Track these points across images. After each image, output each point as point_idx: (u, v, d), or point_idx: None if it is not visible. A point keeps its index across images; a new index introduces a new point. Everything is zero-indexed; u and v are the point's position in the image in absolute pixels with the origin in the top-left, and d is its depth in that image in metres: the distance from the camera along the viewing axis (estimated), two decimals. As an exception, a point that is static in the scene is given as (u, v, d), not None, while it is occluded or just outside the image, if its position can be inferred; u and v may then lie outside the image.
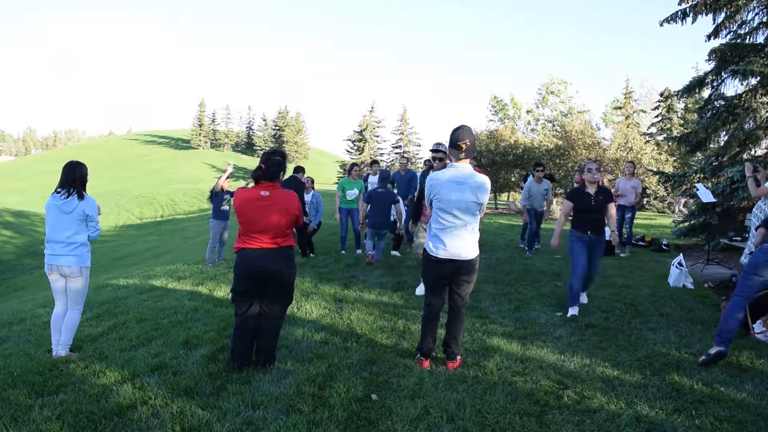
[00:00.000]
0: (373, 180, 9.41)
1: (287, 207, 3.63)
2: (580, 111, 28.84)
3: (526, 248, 9.39)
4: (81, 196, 4.13)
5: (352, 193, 8.93)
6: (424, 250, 3.76)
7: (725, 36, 9.49)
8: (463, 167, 3.59)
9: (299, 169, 9.15)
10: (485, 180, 3.62)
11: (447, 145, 3.71)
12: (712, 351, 3.77)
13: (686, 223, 10.43)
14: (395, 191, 9.30)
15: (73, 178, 4.12)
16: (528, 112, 30.32)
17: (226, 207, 8.59)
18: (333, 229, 11.46)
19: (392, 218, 8.52)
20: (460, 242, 3.60)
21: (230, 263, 8.03)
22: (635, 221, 9.91)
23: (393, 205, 8.13)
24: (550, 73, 44.24)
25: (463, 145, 3.53)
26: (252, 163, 66.45)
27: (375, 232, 7.96)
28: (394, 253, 8.83)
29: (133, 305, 5.99)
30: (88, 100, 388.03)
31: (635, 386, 3.41)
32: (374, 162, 10.42)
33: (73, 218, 4.10)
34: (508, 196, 32.53)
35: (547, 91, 29.60)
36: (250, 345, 3.68)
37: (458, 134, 3.55)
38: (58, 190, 4.12)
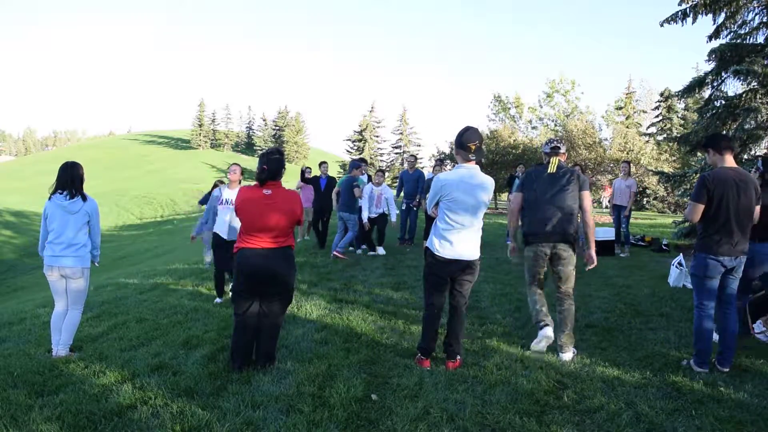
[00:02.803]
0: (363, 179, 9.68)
1: (289, 206, 3.63)
2: (582, 112, 28.88)
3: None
4: (84, 198, 4.17)
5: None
6: (428, 249, 3.75)
7: (726, 36, 9.49)
8: (472, 168, 3.62)
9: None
10: (490, 181, 3.67)
11: (454, 146, 3.73)
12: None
13: (686, 224, 10.41)
14: (393, 190, 9.48)
15: (72, 179, 4.14)
16: (531, 110, 30.36)
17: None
18: (332, 229, 11.44)
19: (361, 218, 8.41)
20: (466, 243, 3.63)
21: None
22: (631, 221, 9.96)
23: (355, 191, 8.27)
24: (560, 72, 44.21)
25: (472, 147, 3.56)
26: (252, 163, 66.42)
27: (341, 218, 8.30)
28: (370, 252, 8.69)
29: (133, 305, 6.00)
30: (88, 100, 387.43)
31: (635, 386, 3.41)
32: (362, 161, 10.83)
33: (78, 218, 4.14)
34: (508, 196, 32.53)
35: (553, 88, 29.61)
36: (250, 345, 3.68)
37: (467, 136, 3.57)
38: (60, 191, 4.13)
